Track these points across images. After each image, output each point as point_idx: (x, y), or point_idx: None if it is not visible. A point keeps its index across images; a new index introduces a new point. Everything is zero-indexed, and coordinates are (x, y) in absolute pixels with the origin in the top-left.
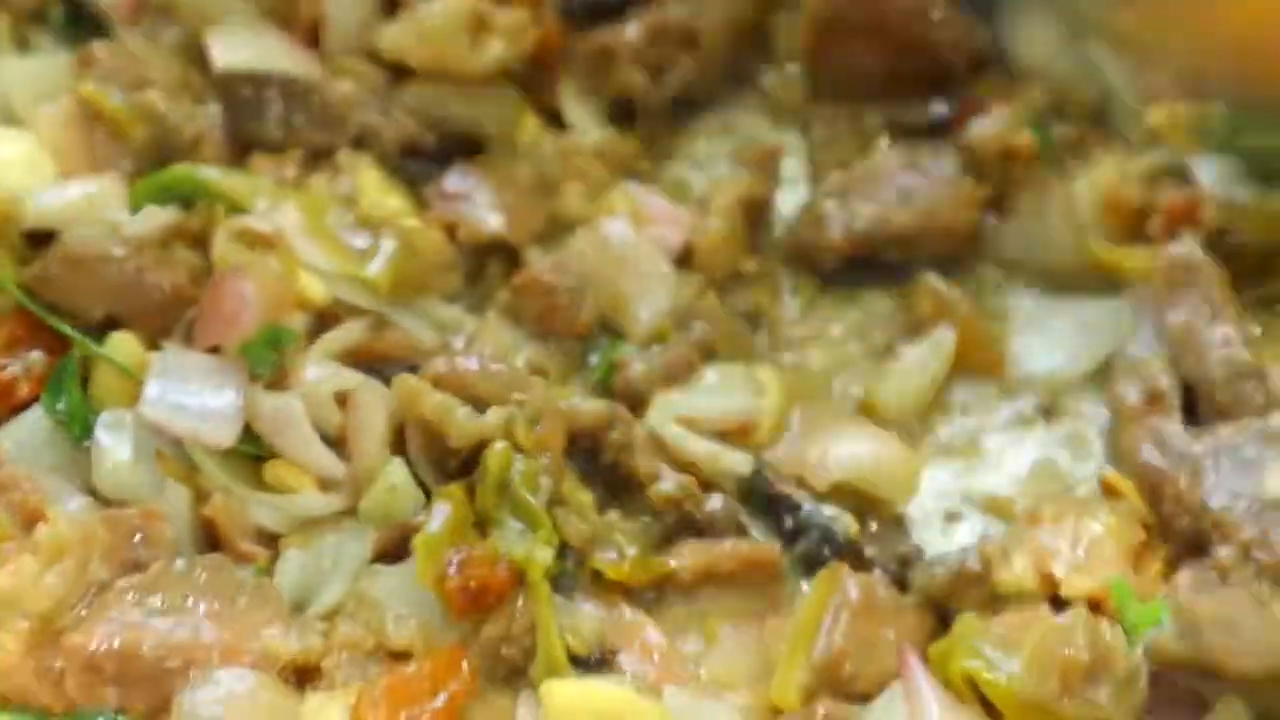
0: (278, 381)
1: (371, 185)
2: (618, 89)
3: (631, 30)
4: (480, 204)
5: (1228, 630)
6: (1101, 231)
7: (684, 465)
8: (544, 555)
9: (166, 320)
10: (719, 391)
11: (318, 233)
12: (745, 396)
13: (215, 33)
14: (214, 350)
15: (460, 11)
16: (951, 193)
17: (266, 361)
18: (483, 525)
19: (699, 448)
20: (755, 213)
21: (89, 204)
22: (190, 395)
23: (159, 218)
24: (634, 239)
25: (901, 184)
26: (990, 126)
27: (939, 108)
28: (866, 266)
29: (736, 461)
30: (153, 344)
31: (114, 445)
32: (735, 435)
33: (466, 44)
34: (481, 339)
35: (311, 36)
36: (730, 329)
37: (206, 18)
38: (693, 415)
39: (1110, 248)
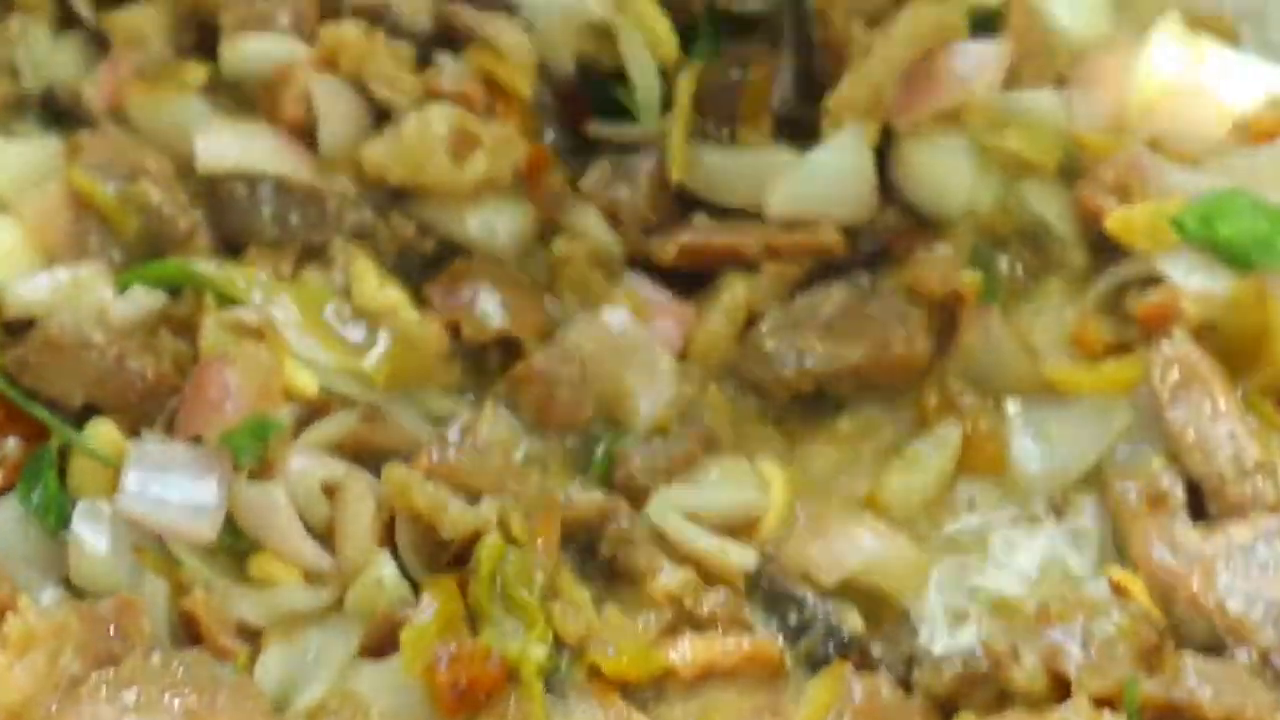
0: (262, 472)
1: (368, 277)
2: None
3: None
4: (484, 301)
5: None
6: (1067, 356)
7: (685, 559)
8: (538, 652)
9: (148, 408)
10: (722, 486)
11: (313, 326)
12: (749, 491)
13: (201, 130)
14: (196, 440)
15: (441, 127)
16: (901, 325)
17: (250, 452)
18: (475, 620)
19: (703, 541)
20: (759, 317)
21: (74, 288)
22: (170, 487)
23: (146, 301)
24: (635, 329)
25: (848, 318)
26: (931, 268)
27: (869, 244)
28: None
29: (741, 556)
30: (133, 432)
31: (91, 537)
32: (739, 530)
33: (447, 161)
34: (477, 430)
35: (299, 134)
36: (734, 422)
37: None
38: (696, 509)
39: (1068, 370)
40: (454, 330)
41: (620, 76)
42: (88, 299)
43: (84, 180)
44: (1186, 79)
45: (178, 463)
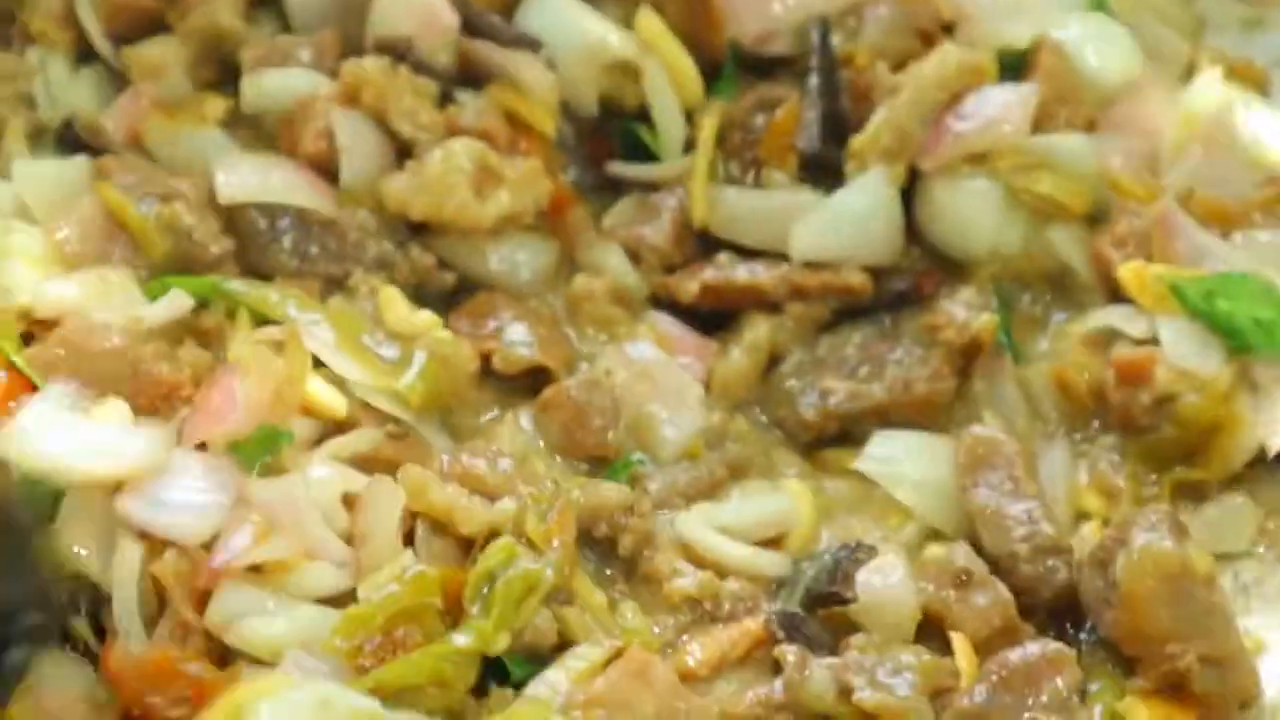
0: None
1: (397, 302)
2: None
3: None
4: (512, 332)
5: None
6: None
7: (708, 568)
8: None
9: (161, 414)
10: (747, 505)
11: (349, 345)
12: (774, 510)
13: (221, 162)
14: (201, 447)
15: (464, 163)
16: (923, 366)
17: (257, 462)
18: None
19: (734, 551)
20: (781, 357)
21: (103, 289)
22: (171, 491)
23: (174, 308)
24: (663, 360)
25: (871, 359)
26: (953, 315)
27: (897, 284)
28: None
29: (773, 564)
30: None
31: None
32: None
33: (470, 197)
34: (498, 438)
35: (319, 168)
36: (762, 450)
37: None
38: (722, 525)
39: None
40: (483, 360)
41: (643, 116)
42: (116, 300)
43: (116, 198)
44: (1220, 128)
45: (180, 468)
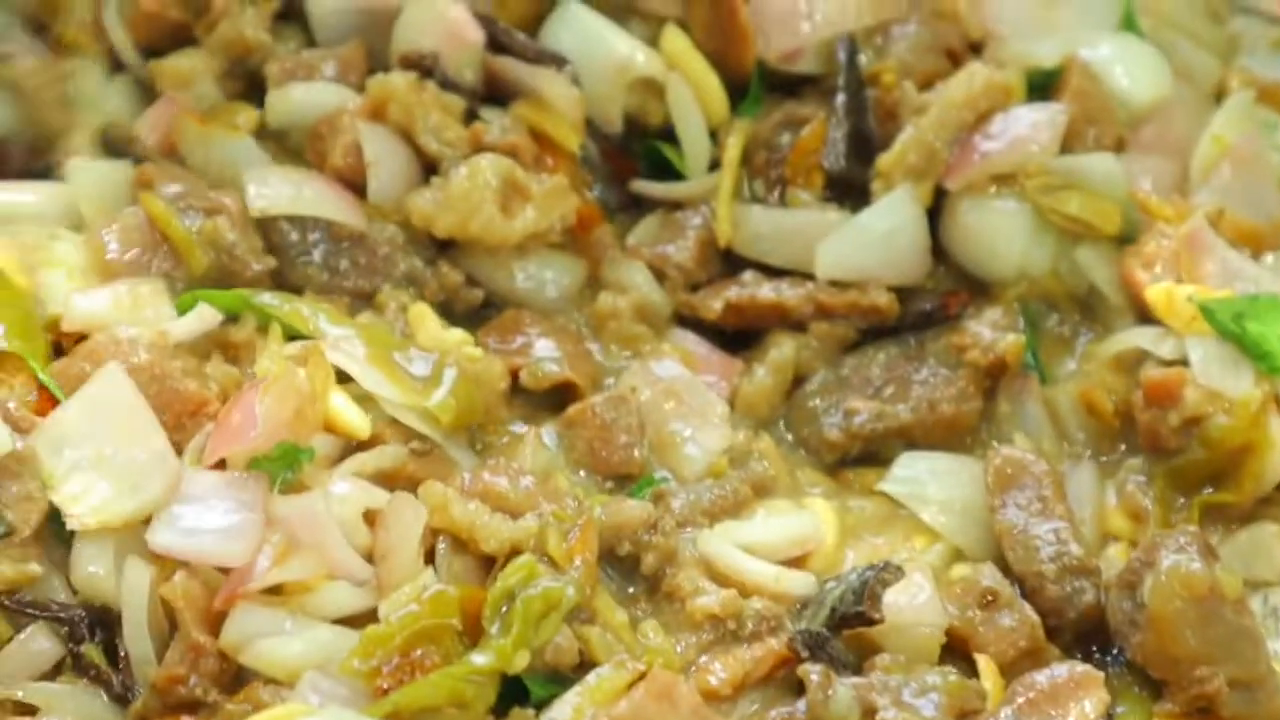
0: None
1: (428, 319)
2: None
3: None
4: (540, 349)
5: None
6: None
7: (731, 587)
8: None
9: (184, 431)
10: (770, 523)
11: (380, 361)
12: (798, 528)
13: (252, 174)
14: (221, 465)
15: (490, 179)
16: (949, 386)
17: (277, 479)
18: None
19: (759, 569)
20: (805, 376)
21: (134, 303)
22: (199, 515)
23: (203, 323)
24: (688, 377)
25: (895, 379)
26: (979, 335)
27: (923, 304)
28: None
29: (797, 583)
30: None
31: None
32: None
33: (496, 213)
34: (519, 455)
35: (346, 182)
36: (787, 469)
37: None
38: (746, 544)
39: None
40: (511, 376)
41: (666, 135)
42: (145, 314)
43: (160, 209)
44: (1251, 149)
45: (203, 490)
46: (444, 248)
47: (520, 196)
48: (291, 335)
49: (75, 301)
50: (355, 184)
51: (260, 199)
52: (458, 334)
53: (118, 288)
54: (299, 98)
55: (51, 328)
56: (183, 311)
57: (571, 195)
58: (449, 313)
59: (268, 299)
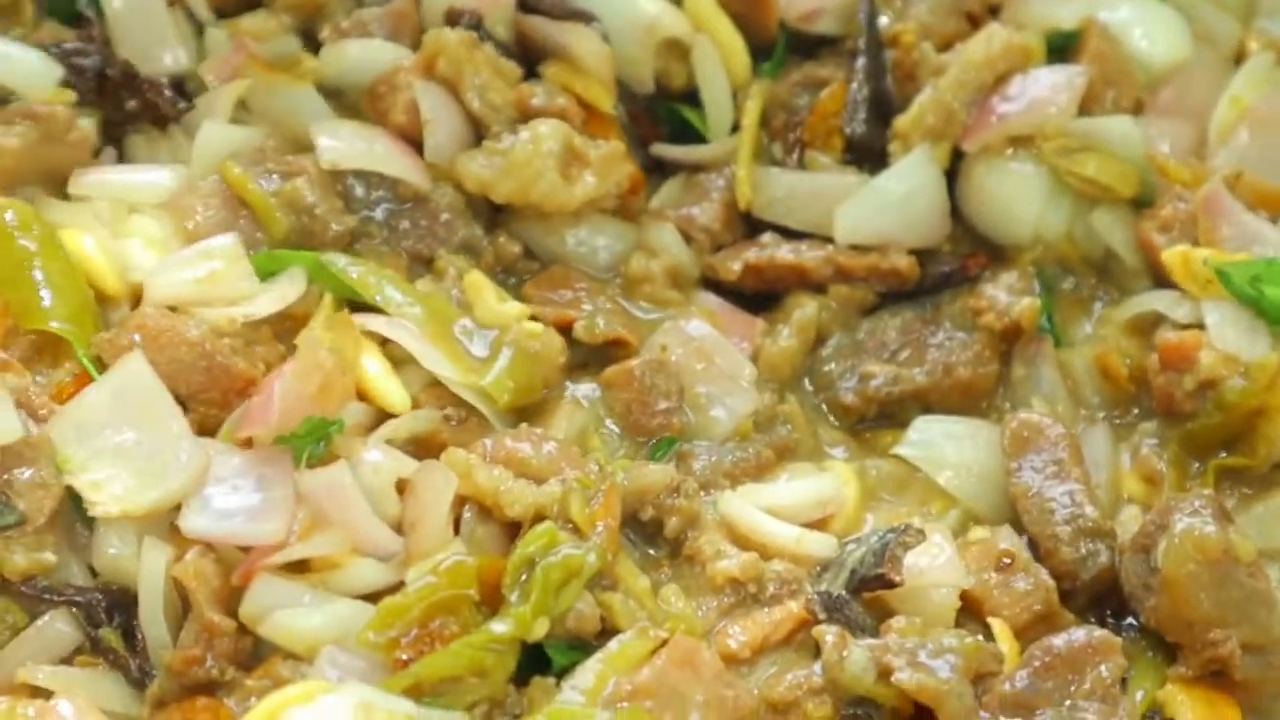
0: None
1: (485, 291)
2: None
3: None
4: (590, 306)
5: None
6: (1102, 396)
7: (753, 550)
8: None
9: (230, 409)
10: (791, 485)
11: (439, 335)
12: (820, 491)
13: (322, 125)
14: (248, 443)
15: (552, 146)
16: (965, 349)
17: (304, 453)
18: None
19: (781, 531)
20: (822, 339)
21: (212, 282)
22: (229, 497)
23: (277, 304)
24: (717, 337)
25: (911, 342)
26: (995, 299)
27: (942, 266)
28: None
29: (819, 545)
30: (206, 429)
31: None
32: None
33: (558, 180)
34: (556, 417)
35: (409, 140)
36: (810, 431)
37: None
38: (767, 506)
39: None
40: (565, 332)
41: (687, 98)
42: (224, 292)
43: (237, 175)
44: (1269, 112)
45: (228, 471)
46: (495, 210)
47: (579, 163)
48: (351, 302)
49: (157, 276)
50: (415, 143)
51: (330, 151)
52: (516, 307)
53: (193, 259)
54: (355, 54)
55: (133, 296)
56: (261, 275)
57: (627, 160)
58: (499, 278)
59: (342, 263)
